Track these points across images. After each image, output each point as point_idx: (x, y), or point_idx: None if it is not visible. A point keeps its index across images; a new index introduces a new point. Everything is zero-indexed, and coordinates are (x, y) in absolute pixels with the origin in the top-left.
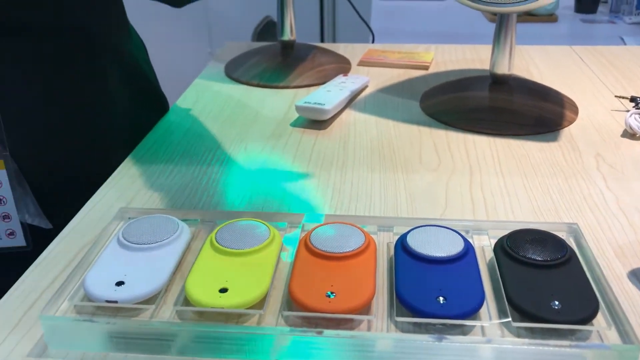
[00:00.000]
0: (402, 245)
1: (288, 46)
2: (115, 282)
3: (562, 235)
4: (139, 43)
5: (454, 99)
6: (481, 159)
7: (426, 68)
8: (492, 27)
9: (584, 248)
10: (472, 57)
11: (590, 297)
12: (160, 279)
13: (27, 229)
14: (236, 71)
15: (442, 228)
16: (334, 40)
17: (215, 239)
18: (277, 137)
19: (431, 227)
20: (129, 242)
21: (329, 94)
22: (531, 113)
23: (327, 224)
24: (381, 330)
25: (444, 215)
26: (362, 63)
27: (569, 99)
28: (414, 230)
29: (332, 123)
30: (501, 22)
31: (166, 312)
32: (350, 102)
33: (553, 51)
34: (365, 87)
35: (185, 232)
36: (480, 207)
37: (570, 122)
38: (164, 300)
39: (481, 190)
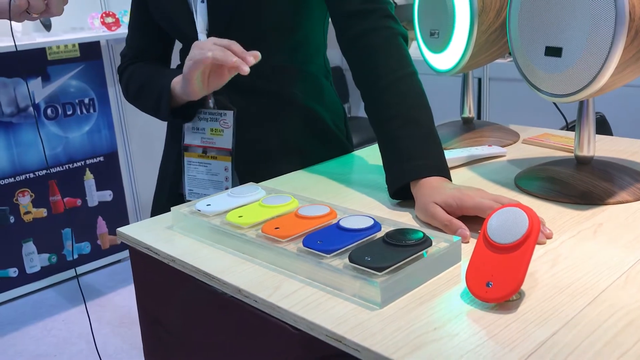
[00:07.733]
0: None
1: (468, 121)
2: (206, 204)
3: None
4: (331, 107)
5: (535, 170)
6: None
7: (570, 152)
8: None
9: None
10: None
11: (389, 261)
12: (223, 209)
13: None
14: None
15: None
16: None
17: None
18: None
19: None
20: (233, 193)
21: (448, 153)
22: (579, 186)
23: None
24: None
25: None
26: (525, 141)
27: None
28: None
29: None
30: (579, 108)
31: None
32: (475, 162)
33: None
34: (500, 156)
35: (259, 194)
36: None
37: (621, 202)
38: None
39: None
